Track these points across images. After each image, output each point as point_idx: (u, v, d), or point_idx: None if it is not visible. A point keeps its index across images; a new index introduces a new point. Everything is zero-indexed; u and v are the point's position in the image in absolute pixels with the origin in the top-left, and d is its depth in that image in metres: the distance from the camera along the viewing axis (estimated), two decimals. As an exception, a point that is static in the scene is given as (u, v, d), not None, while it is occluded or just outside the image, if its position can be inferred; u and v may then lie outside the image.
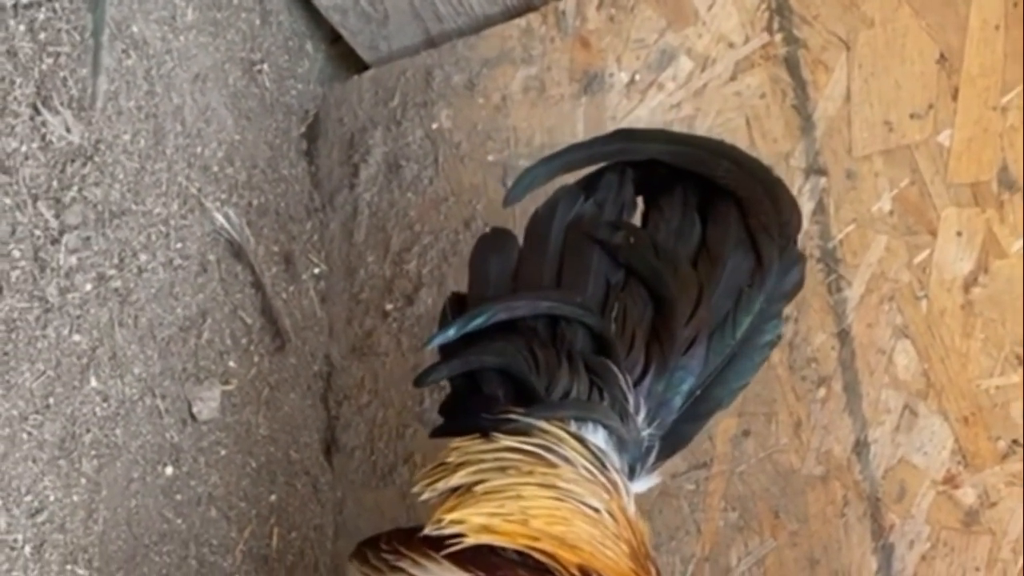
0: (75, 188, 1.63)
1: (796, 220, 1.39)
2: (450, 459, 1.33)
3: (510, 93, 1.96)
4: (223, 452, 1.77)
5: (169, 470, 1.69)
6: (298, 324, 1.95)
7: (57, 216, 1.61)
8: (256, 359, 1.86)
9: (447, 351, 1.38)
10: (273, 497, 1.83)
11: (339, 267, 2.03)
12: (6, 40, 1.57)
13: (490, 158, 1.94)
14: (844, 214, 1.67)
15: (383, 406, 1.91)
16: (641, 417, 1.33)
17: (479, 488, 1.28)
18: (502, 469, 1.28)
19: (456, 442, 1.34)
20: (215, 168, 1.87)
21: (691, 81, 1.82)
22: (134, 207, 1.72)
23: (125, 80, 1.74)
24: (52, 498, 1.53)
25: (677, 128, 1.80)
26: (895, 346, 1.60)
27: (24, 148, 1.58)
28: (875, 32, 1.70)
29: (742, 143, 1.75)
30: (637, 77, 1.86)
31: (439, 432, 1.40)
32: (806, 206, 1.69)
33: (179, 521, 1.68)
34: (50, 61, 1.63)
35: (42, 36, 1.62)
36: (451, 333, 1.34)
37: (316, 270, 2.03)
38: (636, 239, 1.39)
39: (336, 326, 2.01)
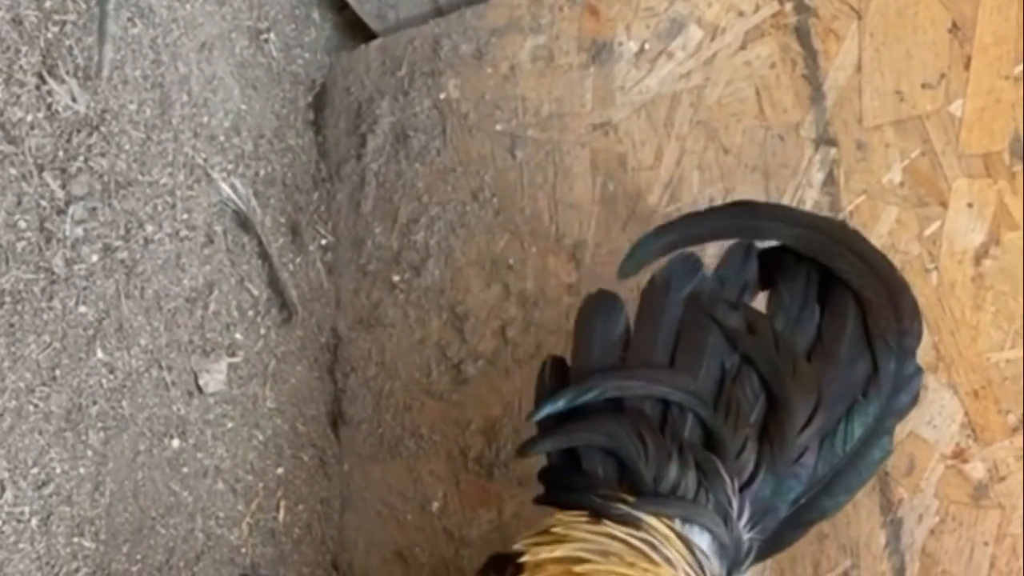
0: (81, 158, 1.62)
1: (917, 330, 1.35)
2: (556, 529, 1.30)
3: (518, 62, 1.94)
4: (230, 425, 1.77)
5: (176, 442, 1.68)
6: (305, 296, 1.95)
7: (63, 186, 1.60)
8: (263, 331, 1.86)
9: (548, 421, 1.35)
10: (280, 470, 1.83)
11: (346, 238, 2.03)
12: (12, 8, 1.56)
13: (498, 128, 1.93)
14: (854, 185, 1.66)
15: (390, 378, 1.91)
16: (744, 521, 1.31)
17: (580, 568, 1.26)
18: (605, 554, 1.26)
19: (561, 513, 1.32)
20: (221, 138, 1.86)
21: (701, 50, 1.81)
22: (140, 177, 1.71)
23: (131, 49, 1.73)
24: (59, 470, 1.53)
25: (686, 98, 1.79)
26: (905, 319, 1.59)
27: (30, 118, 1.57)
28: (887, 1, 1.69)
29: (751, 113, 1.75)
30: (646, 46, 1.85)
31: (544, 500, 1.37)
32: (816, 177, 1.68)
33: (185, 494, 1.68)
34: (56, 30, 1.61)
35: (48, 4, 1.61)
36: (560, 405, 1.32)
37: (323, 241, 2.02)
38: (756, 326, 1.36)
39: (343, 298, 2.01)
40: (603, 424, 1.31)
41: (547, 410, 1.32)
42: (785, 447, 1.31)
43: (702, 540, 1.29)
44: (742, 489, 1.30)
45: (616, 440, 1.29)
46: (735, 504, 1.29)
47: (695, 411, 1.32)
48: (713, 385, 1.34)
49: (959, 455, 1.53)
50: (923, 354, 1.56)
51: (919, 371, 1.35)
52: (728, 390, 1.33)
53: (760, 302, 1.42)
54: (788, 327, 1.36)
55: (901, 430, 1.55)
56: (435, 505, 1.81)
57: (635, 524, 1.27)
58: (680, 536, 1.27)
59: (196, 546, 1.68)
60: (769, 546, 1.35)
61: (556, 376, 1.37)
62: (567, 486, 1.34)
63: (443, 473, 1.82)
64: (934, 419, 1.55)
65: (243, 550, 1.73)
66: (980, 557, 1.50)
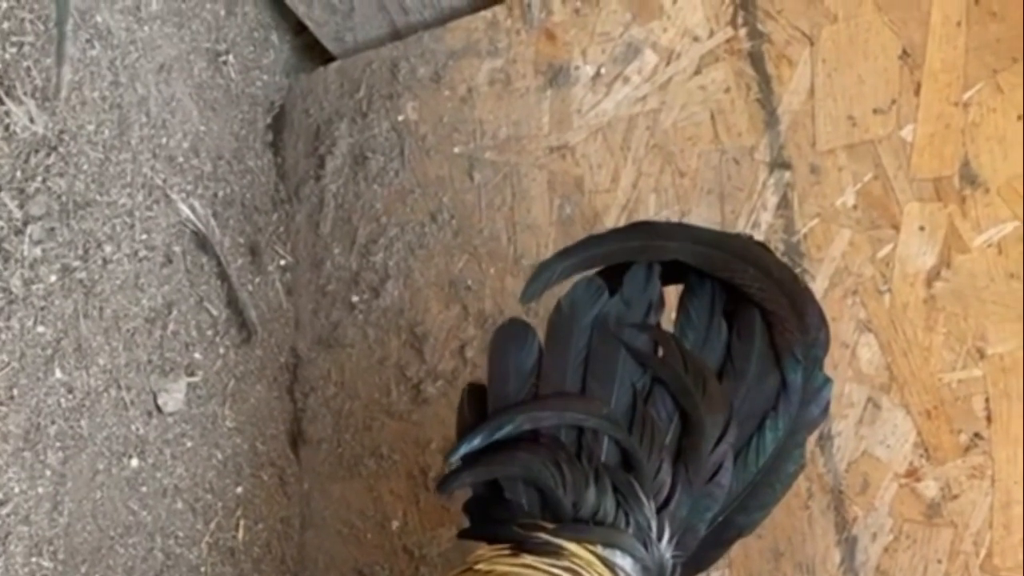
0: (39, 179, 1.62)
1: (824, 340, 1.34)
2: (479, 566, 1.29)
3: (476, 85, 1.96)
4: (189, 444, 1.76)
5: (135, 462, 1.68)
6: (264, 316, 1.95)
7: (21, 207, 1.59)
8: (222, 351, 1.86)
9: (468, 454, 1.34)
10: (239, 489, 1.82)
11: (305, 259, 2.03)
12: (-32, 29, 1.56)
13: (456, 150, 1.95)
14: (808, 208, 1.68)
15: (349, 398, 1.92)
16: (664, 541, 1.30)
17: None
18: None
19: (483, 549, 1.31)
20: (180, 159, 1.86)
21: (656, 75, 1.83)
22: (99, 198, 1.70)
23: (89, 70, 1.72)
24: (17, 490, 1.52)
25: (643, 122, 1.81)
26: (858, 340, 1.62)
27: (-13, 138, 1.57)
28: (838, 27, 1.72)
29: (707, 136, 1.77)
30: (603, 70, 1.87)
31: (468, 535, 1.36)
32: (770, 200, 1.71)
33: (145, 513, 1.67)
34: (13, 51, 1.61)
35: (5, 25, 1.60)
36: (476, 443, 1.31)
37: (282, 262, 2.02)
38: (663, 346, 1.35)
39: (302, 318, 2.01)
40: (520, 455, 1.30)
41: (463, 450, 1.31)
42: (699, 466, 1.31)
43: (625, 563, 1.28)
44: (660, 509, 1.30)
45: (533, 470, 1.29)
46: (654, 525, 1.29)
47: (610, 434, 1.31)
48: (626, 408, 1.33)
49: (912, 474, 1.55)
50: (876, 375, 1.59)
51: (828, 382, 1.33)
52: (641, 412, 1.33)
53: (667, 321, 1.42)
54: (697, 345, 1.36)
55: (855, 449, 1.57)
56: (395, 524, 1.82)
57: (557, 553, 1.26)
58: (603, 560, 1.27)
59: (155, 565, 1.67)
60: (692, 565, 1.35)
61: (475, 405, 1.36)
62: (491, 518, 1.33)
63: (403, 492, 1.82)
64: (887, 439, 1.57)
65: (202, 569, 1.73)
66: (933, 574, 1.52)
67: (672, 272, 1.39)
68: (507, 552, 1.28)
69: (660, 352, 1.34)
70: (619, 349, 1.34)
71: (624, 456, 1.31)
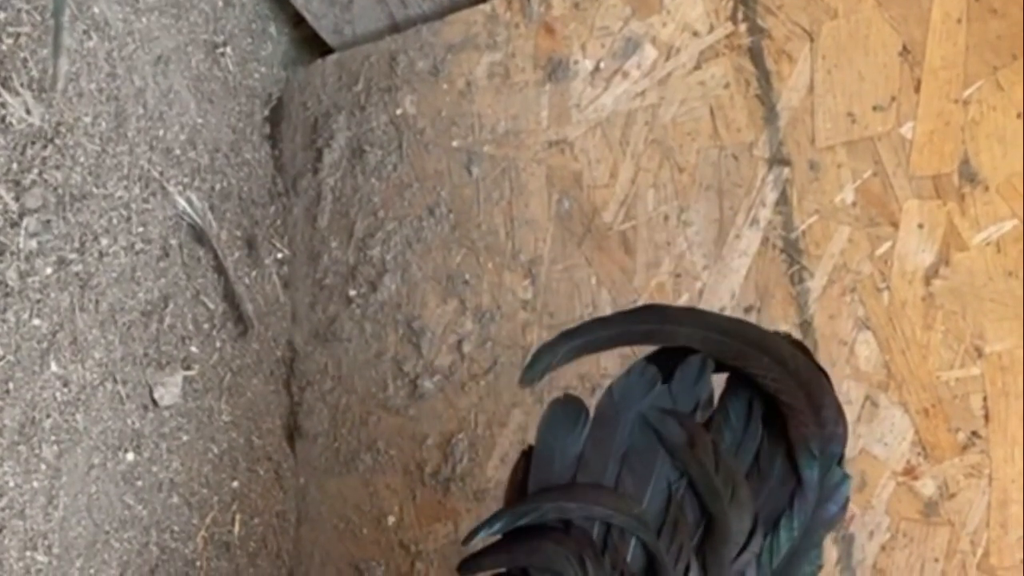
0: (35, 171, 1.61)
1: (842, 435, 1.28)
2: None
3: (474, 79, 1.95)
4: (185, 438, 1.76)
5: (130, 456, 1.68)
6: (261, 309, 1.94)
7: (17, 199, 1.59)
8: (218, 344, 1.85)
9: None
10: (235, 483, 1.82)
11: (302, 252, 2.03)
12: (-36, 21, 1.56)
13: (454, 144, 1.94)
14: (807, 205, 1.68)
15: (346, 392, 1.91)
16: None
17: None
18: None
19: None
20: (177, 151, 1.86)
21: (655, 70, 1.82)
22: (95, 190, 1.70)
23: (86, 62, 1.72)
24: (12, 484, 1.52)
25: (641, 117, 1.80)
26: (856, 337, 1.61)
27: (-17, 130, 1.56)
28: (839, 23, 1.71)
29: (706, 132, 1.76)
30: (602, 65, 1.86)
31: None
32: (769, 196, 1.70)
33: (140, 507, 1.67)
34: (10, 42, 1.60)
35: (1, 16, 1.60)
36: (496, 528, 1.29)
37: (279, 255, 2.02)
38: (698, 443, 1.30)
39: (299, 311, 2.01)
40: (546, 546, 1.29)
41: (482, 535, 1.29)
42: (722, 573, 1.28)
43: None
44: None
45: (555, 564, 1.27)
46: None
47: (638, 536, 1.29)
48: (659, 508, 1.30)
49: (910, 472, 1.55)
50: (874, 372, 1.59)
51: (846, 478, 1.28)
52: (674, 514, 1.30)
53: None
54: (732, 447, 1.31)
55: (853, 447, 1.57)
56: (391, 519, 1.81)
57: None
58: None
59: (150, 560, 1.67)
60: None
61: (522, 475, 1.33)
62: None
63: (399, 487, 1.82)
64: (885, 436, 1.57)
65: (198, 564, 1.73)
66: (930, 573, 1.52)
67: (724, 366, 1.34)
68: None
69: (692, 448, 1.30)
70: (659, 446, 1.31)
71: (649, 560, 1.29)
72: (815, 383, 1.28)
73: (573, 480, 1.32)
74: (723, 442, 1.31)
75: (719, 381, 1.33)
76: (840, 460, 1.27)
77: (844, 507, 1.29)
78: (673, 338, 1.33)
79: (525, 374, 1.36)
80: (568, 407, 1.34)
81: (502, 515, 1.30)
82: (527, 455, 1.35)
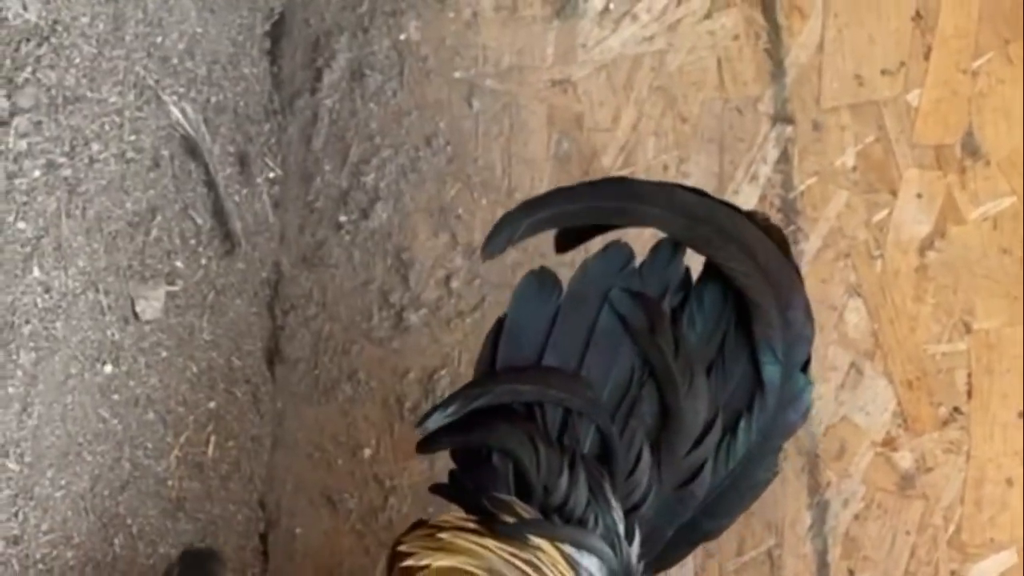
0: (29, 69, 1.59)
1: (808, 337, 1.24)
2: (443, 536, 1.25)
3: (481, 10, 1.93)
4: (164, 354, 1.74)
5: (108, 368, 1.66)
6: (249, 228, 1.92)
7: (8, 97, 1.56)
8: (204, 261, 1.83)
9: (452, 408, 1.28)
10: (212, 404, 1.81)
11: (295, 173, 2.00)
12: (-38, -90, 1.52)
13: (457, 75, 1.92)
14: (807, 165, 1.67)
15: (330, 319, 1.90)
16: (633, 543, 1.25)
17: None
18: (489, 570, 1.21)
19: (452, 516, 1.28)
20: (174, 60, 1.83)
21: (666, 15, 1.80)
22: (89, 94, 1.67)
23: (87, -42, 1.69)
24: (-14, 390, 1.51)
25: (648, 62, 1.78)
26: (847, 304, 1.61)
27: (-23, 24, 1.53)
28: (853, -19, 1.70)
29: (712, 83, 1.75)
30: (611, 6, 1.84)
31: (441, 492, 1.32)
32: (771, 153, 1.69)
33: (115, 421, 1.66)
34: (8, -66, 1.57)
35: (0, -95, 1.57)
36: (449, 411, 1.25)
37: (271, 174, 1.99)
38: (658, 327, 1.25)
39: (288, 233, 1.99)
40: (500, 426, 1.26)
41: (436, 420, 1.26)
42: (675, 470, 1.25)
43: (591, 563, 1.22)
44: (631, 511, 1.25)
45: (509, 445, 1.24)
46: (623, 528, 1.24)
47: (592, 420, 1.25)
48: (621, 388, 1.27)
49: (889, 443, 1.56)
50: (861, 340, 1.59)
51: (808, 385, 1.24)
52: (632, 399, 1.26)
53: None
54: (702, 335, 1.26)
55: (834, 414, 1.57)
56: (367, 452, 1.81)
57: (522, 542, 1.21)
58: (568, 559, 1.22)
59: (122, 475, 1.66)
60: (655, 565, 1.30)
61: (492, 347, 1.29)
62: (467, 483, 1.29)
63: (377, 420, 1.82)
64: (867, 406, 1.58)
65: (169, 483, 1.72)
66: (901, 546, 1.53)
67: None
68: (472, 526, 1.24)
69: (652, 333, 1.25)
70: (623, 328, 1.27)
71: (604, 444, 1.26)
72: (785, 280, 1.23)
73: (541, 356, 1.28)
74: (693, 330, 1.26)
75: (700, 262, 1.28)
76: (805, 366, 1.24)
77: (805, 415, 1.26)
78: (643, 219, 1.26)
79: (487, 244, 1.29)
80: (543, 280, 1.30)
81: (456, 398, 1.26)
82: (500, 325, 1.31)
